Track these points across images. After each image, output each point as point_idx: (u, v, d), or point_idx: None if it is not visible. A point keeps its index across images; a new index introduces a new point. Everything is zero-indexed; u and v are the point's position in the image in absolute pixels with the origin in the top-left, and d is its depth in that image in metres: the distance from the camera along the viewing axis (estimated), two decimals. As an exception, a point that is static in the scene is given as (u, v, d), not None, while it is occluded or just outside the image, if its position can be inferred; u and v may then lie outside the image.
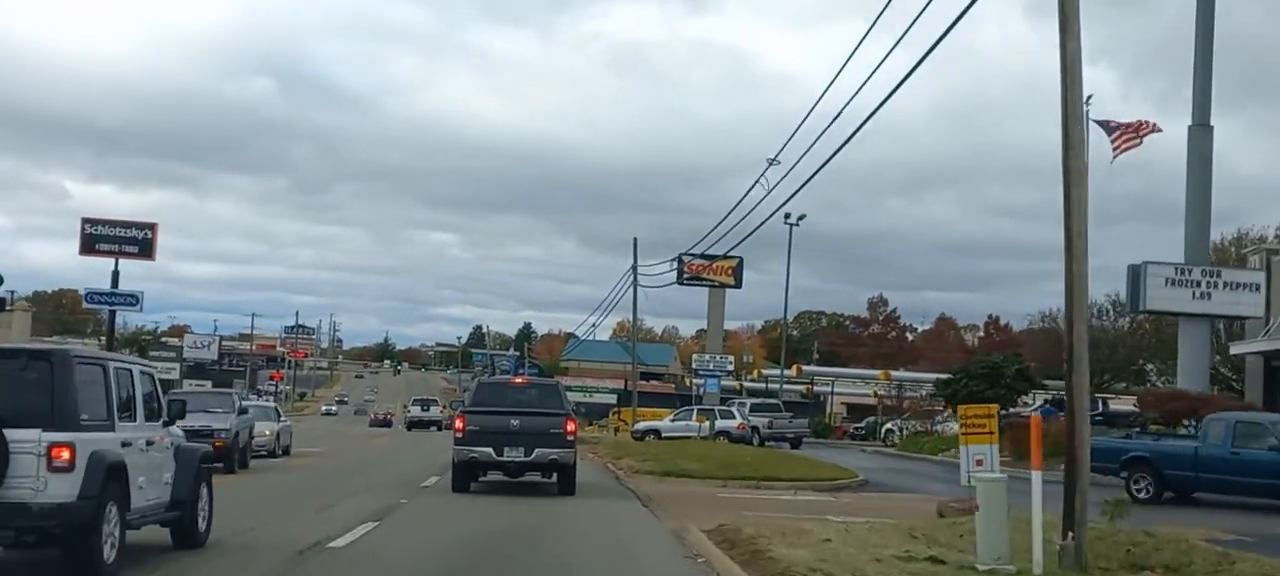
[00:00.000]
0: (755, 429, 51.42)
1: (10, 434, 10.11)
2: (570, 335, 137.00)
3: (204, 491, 13.70)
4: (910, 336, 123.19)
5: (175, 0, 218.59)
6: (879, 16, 16.90)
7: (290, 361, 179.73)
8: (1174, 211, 41.74)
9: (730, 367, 61.35)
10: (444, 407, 79.82)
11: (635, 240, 61.85)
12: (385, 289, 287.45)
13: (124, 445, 11.50)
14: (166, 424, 13.20)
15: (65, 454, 10.31)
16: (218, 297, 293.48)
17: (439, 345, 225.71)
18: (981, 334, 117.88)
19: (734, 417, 51.27)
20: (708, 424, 48.19)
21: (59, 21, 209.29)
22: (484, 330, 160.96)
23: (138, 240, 45.61)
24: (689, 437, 46.01)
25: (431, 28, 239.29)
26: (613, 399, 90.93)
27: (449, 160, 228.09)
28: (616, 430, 66.19)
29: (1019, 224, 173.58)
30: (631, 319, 62.05)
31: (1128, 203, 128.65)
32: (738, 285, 60.39)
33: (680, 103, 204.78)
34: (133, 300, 45.23)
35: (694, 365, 60.74)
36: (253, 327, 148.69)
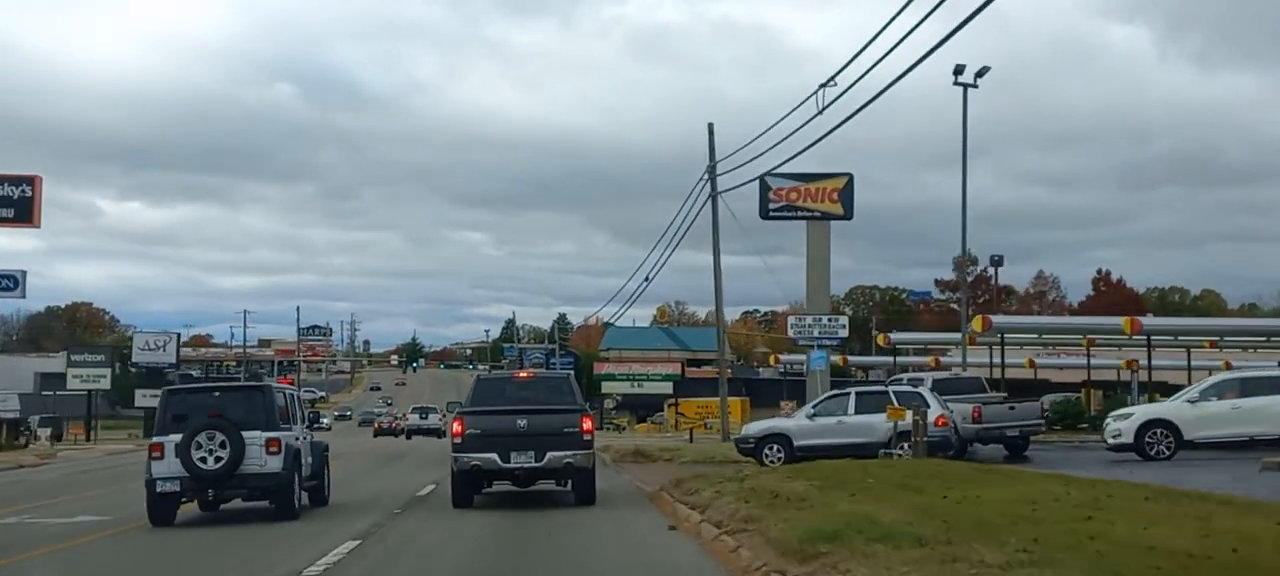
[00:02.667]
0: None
1: (245, 434, 18.29)
2: (607, 325, 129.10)
3: (326, 470, 21.99)
4: (1007, 298, 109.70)
5: (191, 10, 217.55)
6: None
7: (298, 365, 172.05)
8: None
9: (843, 332, 45.73)
10: (442, 414, 77.88)
11: (711, 127, 47.53)
12: (419, 292, 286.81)
13: (297, 439, 19.73)
14: (310, 427, 21.87)
15: (275, 444, 18.63)
16: (258, 307, 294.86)
17: (465, 345, 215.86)
18: (1091, 292, 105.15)
19: (929, 406, 27.33)
20: (897, 423, 26.81)
21: (78, 39, 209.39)
22: (514, 322, 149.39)
23: (13, 201, 33.14)
24: (864, 453, 25.51)
25: (450, 23, 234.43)
26: (667, 388, 76.72)
27: (475, 157, 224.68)
28: (690, 432, 52.12)
29: (1058, 192, 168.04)
30: (719, 285, 45.28)
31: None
32: (848, 214, 45.42)
33: (706, 85, 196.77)
34: (10, 283, 33.66)
35: (791, 330, 45.33)
36: (244, 329, 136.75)
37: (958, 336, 54.16)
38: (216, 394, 20.07)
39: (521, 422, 19.37)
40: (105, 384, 70.73)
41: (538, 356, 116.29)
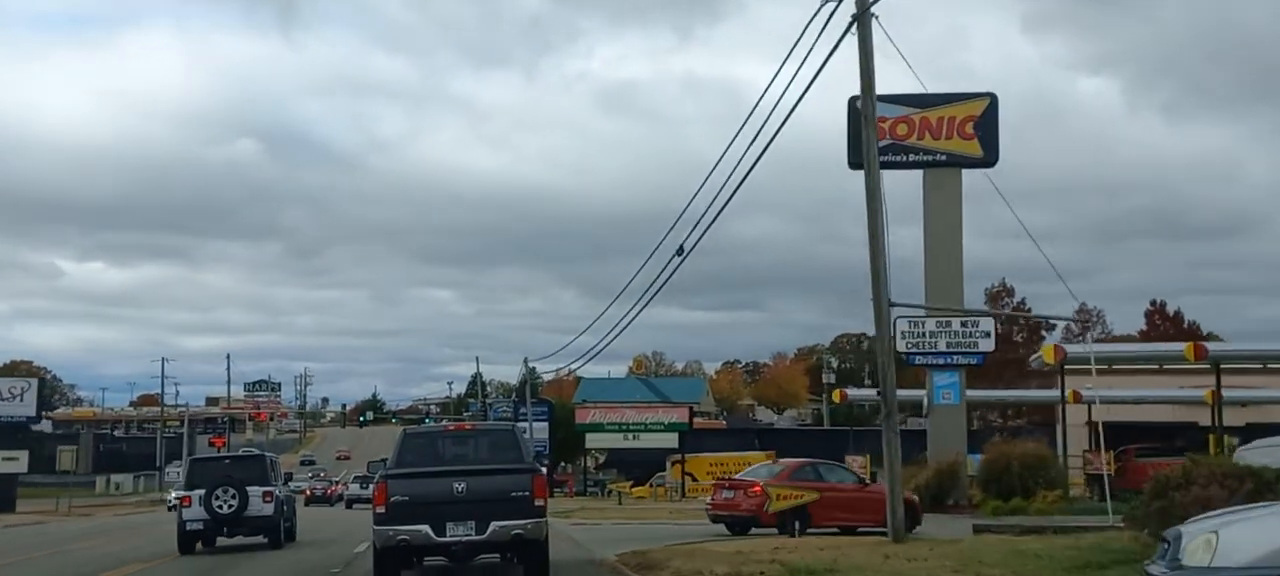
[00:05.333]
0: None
1: (248, 488, 26.62)
2: (579, 378, 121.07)
3: (294, 515, 31.18)
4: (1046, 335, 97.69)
5: (149, 67, 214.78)
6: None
7: (244, 423, 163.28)
8: None
9: (987, 343, 29.46)
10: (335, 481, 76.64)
11: None
12: (386, 351, 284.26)
13: (280, 492, 28.46)
14: (284, 484, 32.00)
15: (268, 496, 26.98)
16: (220, 370, 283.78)
17: (428, 401, 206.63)
18: (1144, 326, 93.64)
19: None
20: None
21: (36, 97, 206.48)
22: (480, 376, 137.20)
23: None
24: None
25: (414, 80, 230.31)
26: (671, 440, 60.77)
27: (442, 215, 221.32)
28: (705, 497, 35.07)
29: (1031, 246, 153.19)
30: (879, 209, 30.57)
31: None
32: (990, 158, 29.97)
33: (674, 140, 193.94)
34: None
35: (902, 341, 29.14)
36: (161, 382, 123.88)
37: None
38: (227, 461, 32.66)
39: (459, 486, 16.66)
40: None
41: (505, 409, 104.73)
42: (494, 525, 16.48)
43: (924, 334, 30.15)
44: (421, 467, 17.27)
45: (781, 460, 28.10)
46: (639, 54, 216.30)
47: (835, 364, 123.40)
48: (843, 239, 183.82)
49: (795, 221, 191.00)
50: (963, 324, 29.60)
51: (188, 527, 26.65)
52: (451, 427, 21.60)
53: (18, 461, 63.26)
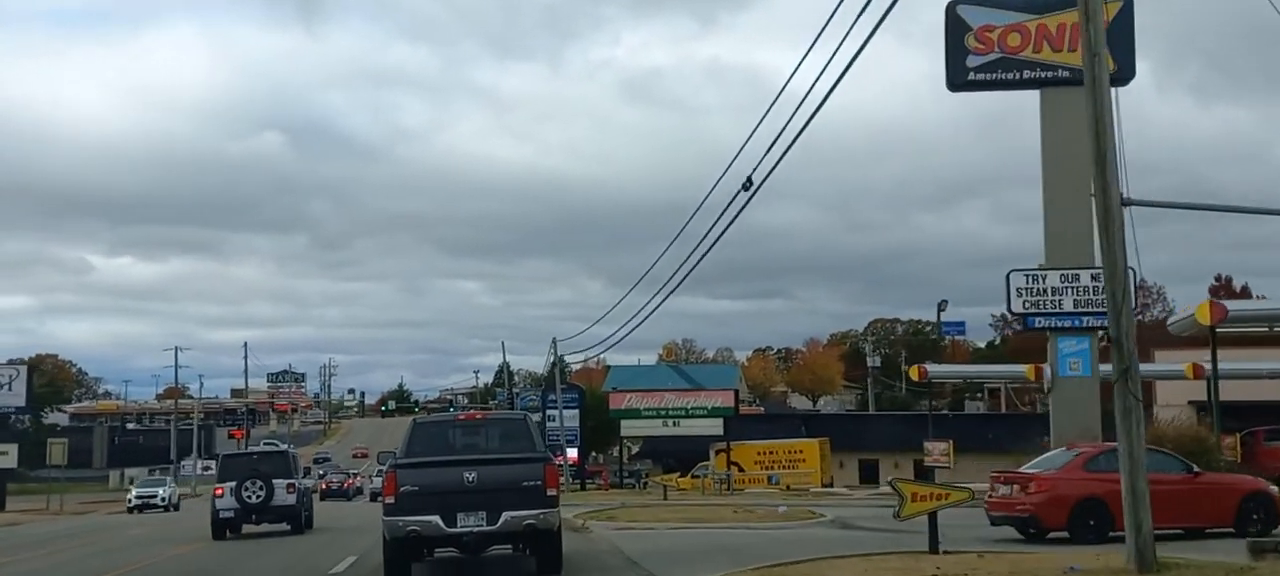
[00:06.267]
0: None
1: (274, 481, 29.89)
2: (608, 367, 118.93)
3: (313, 505, 34.76)
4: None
5: (174, 61, 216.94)
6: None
7: (269, 415, 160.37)
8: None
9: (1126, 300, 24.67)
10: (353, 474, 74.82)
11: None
12: (413, 342, 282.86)
13: (301, 483, 32.10)
14: (304, 476, 35.77)
15: (291, 487, 30.32)
16: (253, 363, 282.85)
17: (455, 392, 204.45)
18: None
19: None
20: None
21: (64, 93, 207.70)
22: (507, 366, 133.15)
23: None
24: None
25: (437, 70, 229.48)
26: (715, 427, 55.66)
27: (467, 206, 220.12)
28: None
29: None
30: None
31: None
32: (1124, 74, 24.60)
33: (698, 127, 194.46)
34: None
35: (1016, 300, 24.14)
36: (176, 371, 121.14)
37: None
38: (255, 456, 34.37)
39: (470, 476, 16.26)
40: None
41: (533, 399, 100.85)
42: (505, 515, 16.16)
43: (1044, 290, 25.11)
44: (432, 457, 16.86)
45: (1076, 446, 22.54)
46: (662, 42, 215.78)
47: (869, 349, 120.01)
48: (868, 226, 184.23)
49: (820, 210, 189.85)
50: (1094, 277, 24.50)
51: (221, 515, 29.71)
52: (462, 417, 21.13)
53: (7, 456, 58.96)
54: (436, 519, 16.08)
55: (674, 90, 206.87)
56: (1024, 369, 36.49)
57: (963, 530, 19.45)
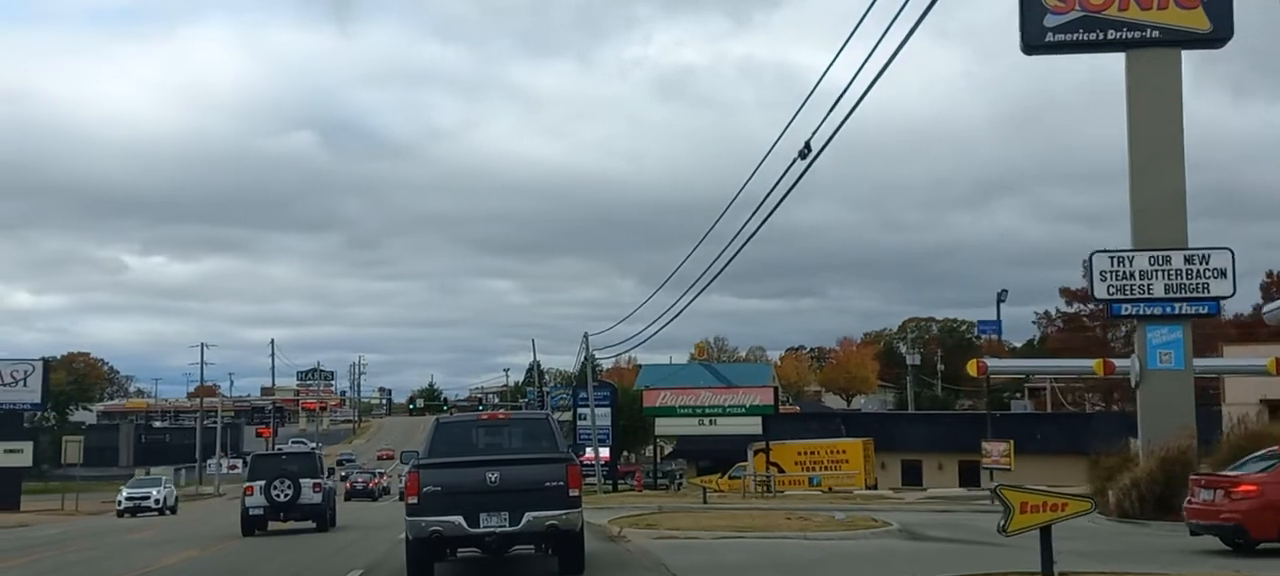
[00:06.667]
0: None
1: (301, 480, 31.34)
2: (639, 366, 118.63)
3: (335, 503, 35.52)
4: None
5: (206, 60, 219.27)
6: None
7: (298, 414, 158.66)
8: None
9: (1223, 286, 21.18)
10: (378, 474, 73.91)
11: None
12: (445, 341, 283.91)
13: (327, 483, 33.43)
14: (329, 476, 35.96)
15: (318, 486, 31.68)
16: (278, 361, 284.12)
17: (486, 390, 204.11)
18: (1259, 300, 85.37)
19: None
20: None
21: (97, 92, 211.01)
22: (537, 364, 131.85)
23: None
24: None
25: (469, 69, 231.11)
26: (753, 426, 53.15)
27: (499, 204, 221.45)
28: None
29: (1089, 230, 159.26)
30: None
31: None
32: (1220, 31, 22.24)
33: (730, 126, 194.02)
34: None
35: (1099, 284, 21.77)
36: (202, 369, 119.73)
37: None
38: (284, 456, 36.95)
39: (492, 476, 16.26)
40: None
41: (564, 397, 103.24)
42: (528, 516, 16.19)
43: (1132, 273, 22.67)
44: (454, 457, 16.87)
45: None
46: (695, 39, 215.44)
47: (903, 349, 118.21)
48: (902, 225, 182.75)
49: (853, 207, 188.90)
50: (1187, 259, 22.06)
51: (251, 513, 31.20)
52: (485, 416, 21.32)
53: (22, 454, 56.94)
54: (459, 519, 16.11)
55: (707, 88, 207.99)
56: (1091, 364, 33.84)
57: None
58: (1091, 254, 25.16)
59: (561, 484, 16.34)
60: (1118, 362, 30.76)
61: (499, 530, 16.21)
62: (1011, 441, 35.16)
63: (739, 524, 22.41)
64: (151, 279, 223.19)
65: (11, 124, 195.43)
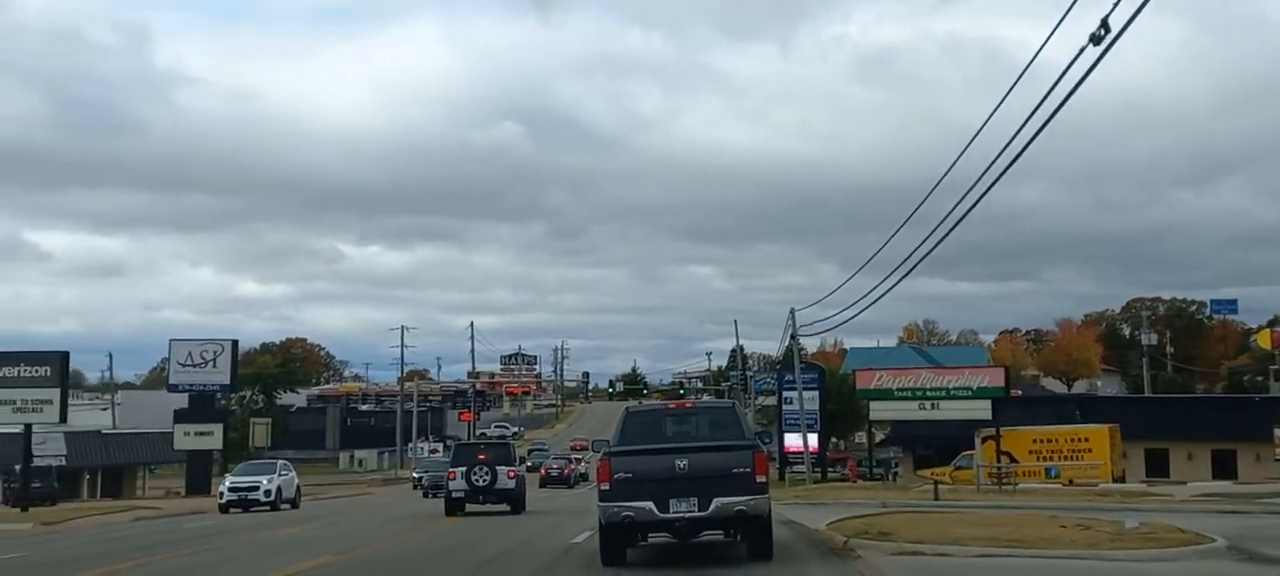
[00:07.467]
0: None
1: (497, 467, 34.30)
2: (845, 351, 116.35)
3: (526, 488, 37.43)
4: None
5: (416, 54, 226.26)
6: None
7: (502, 398, 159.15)
8: None
9: None
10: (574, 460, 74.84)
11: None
12: (649, 327, 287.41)
13: (521, 469, 37.06)
14: (520, 461, 39.57)
15: (512, 472, 34.83)
16: (484, 348, 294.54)
17: (689, 375, 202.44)
18: None
19: None
20: None
21: (315, 89, 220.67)
22: (740, 349, 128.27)
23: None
24: None
25: (671, 57, 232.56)
26: (981, 409, 47.65)
27: (701, 191, 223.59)
28: None
29: None
30: None
31: None
32: None
33: (935, 105, 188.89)
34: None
35: None
36: (402, 356, 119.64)
37: None
38: (483, 447, 38.06)
39: (681, 463, 16.72)
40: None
41: (768, 381, 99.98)
42: (717, 501, 16.47)
43: None
44: (644, 445, 17.38)
45: None
46: (897, 17, 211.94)
47: (1128, 330, 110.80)
48: (1119, 205, 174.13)
49: (1067, 188, 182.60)
50: None
51: (452, 494, 34.52)
52: (673, 406, 21.09)
53: (212, 436, 55.28)
54: (650, 504, 16.53)
55: (910, 67, 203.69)
56: None
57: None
58: None
59: (748, 470, 16.59)
60: None
61: (688, 515, 16.50)
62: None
63: (998, 533, 17.49)
64: (367, 268, 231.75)
65: (239, 122, 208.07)
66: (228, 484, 45.80)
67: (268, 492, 44.45)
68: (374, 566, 19.54)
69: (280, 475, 46.55)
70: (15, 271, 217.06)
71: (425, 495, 52.22)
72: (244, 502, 43.68)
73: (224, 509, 43.60)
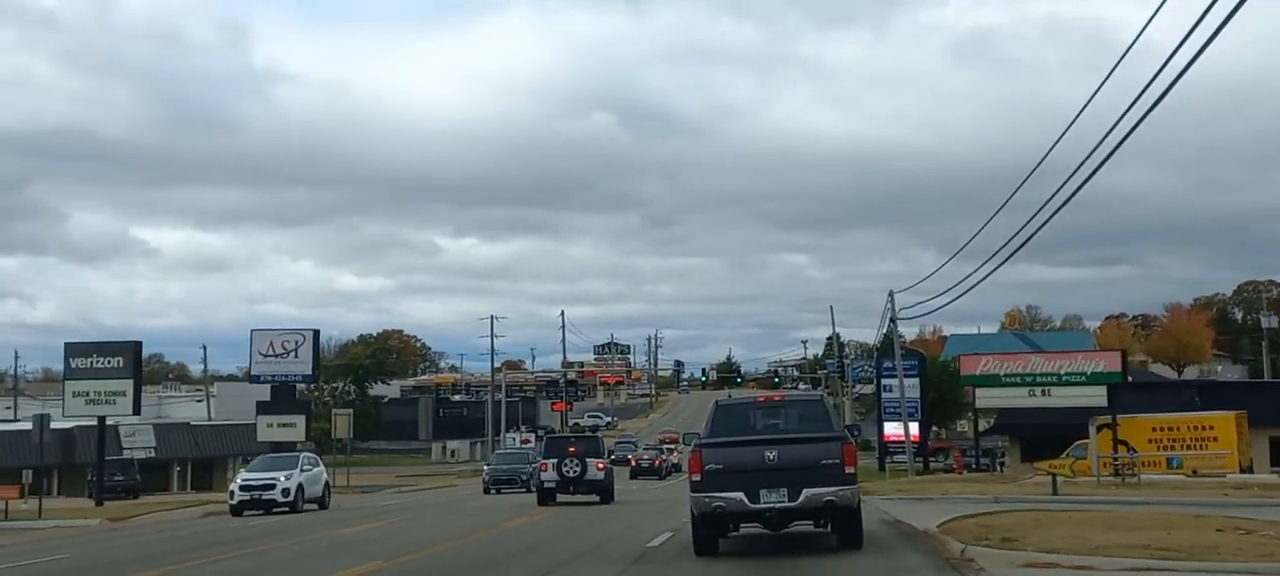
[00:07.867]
0: None
1: (587, 459, 36.35)
2: (943, 338, 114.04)
3: (614, 480, 38.68)
4: None
5: (508, 46, 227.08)
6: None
7: (595, 388, 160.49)
8: None
9: None
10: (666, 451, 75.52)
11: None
12: (744, 316, 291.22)
13: (609, 461, 38.85)
14: (608, 454, 41.24)
15: (601, 465, 36.71)
16: (578, 339, 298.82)
17: (785, 363, 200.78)
18: None
19: None
20: None
21: (410, 85, 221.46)
22: (836, 337, 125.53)
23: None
24: None
25: (762, 45, 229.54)
26: (1096, 396, 44.58)
27: (794, 180, 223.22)
28: None
29: None
30: None
31: None
32: None
33: (1034, 89, 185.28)
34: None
35: None
36: (493, 349, 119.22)
37: None
38: (573, 440, 39.91)
39: (771, 455, 17.14)
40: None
41: (866, 368, 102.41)
42: (806, 492, 16.74)
43: None
44: (734, 437, 17.68)
45: None
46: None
47: (1265, 309, 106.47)
48: (1227, 187, 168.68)
49: (1171, 171, 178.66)
50: None
51: (545, 485, 35.97)
52: (762, 399, 21.22)
53: (294, 428, 53.83)
54: (740, 495, 16.85)
55: (1008, 51, 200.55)
56: None
57: None
58: None
59: (837, 461, 16.87)
60: None
61: (778, 505, 16.86)
62: None
63: (1147, 540, 14.71)
64: (463, 260, 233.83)
65: (335, 116, 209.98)
66: (239, 481, 40.31)
67: (285, 491, 38.59)
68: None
69: (303, 470, 40.37)
70: (125, 267, 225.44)
71: (486, 491, 51.24)
72: (259, 503, 38.17)
73: (236, 510, 38.45)
